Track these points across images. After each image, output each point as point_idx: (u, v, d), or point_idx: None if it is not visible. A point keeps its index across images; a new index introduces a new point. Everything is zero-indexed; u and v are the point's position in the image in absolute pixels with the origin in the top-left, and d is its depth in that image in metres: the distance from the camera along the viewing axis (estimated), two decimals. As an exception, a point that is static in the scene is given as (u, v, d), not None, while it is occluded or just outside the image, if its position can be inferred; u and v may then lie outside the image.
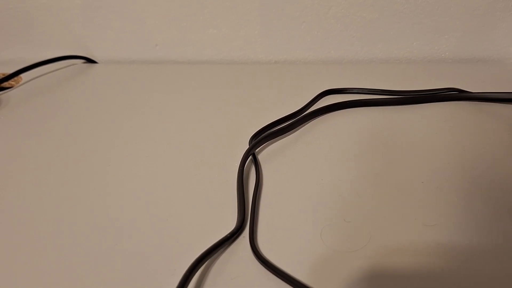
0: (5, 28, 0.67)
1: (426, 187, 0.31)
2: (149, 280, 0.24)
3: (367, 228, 0.27)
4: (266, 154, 0.37)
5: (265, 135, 0.38)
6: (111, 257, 0.26)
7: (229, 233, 0.26)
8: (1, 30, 0.67)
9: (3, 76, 0.56)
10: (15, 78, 0.57)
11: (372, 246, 0.26)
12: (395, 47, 0.61)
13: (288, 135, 0.40)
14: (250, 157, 0.36)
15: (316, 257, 0.25)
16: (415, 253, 0.25)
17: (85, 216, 0.30)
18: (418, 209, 0.29)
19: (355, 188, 0.31)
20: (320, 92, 0.48)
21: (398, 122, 0.41)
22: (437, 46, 0.60)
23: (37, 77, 0.59)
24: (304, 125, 0.42)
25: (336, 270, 0.24)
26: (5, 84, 0.57)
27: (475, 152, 0.35)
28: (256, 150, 0.37)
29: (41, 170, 0.36)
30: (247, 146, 0.37)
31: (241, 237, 0.27)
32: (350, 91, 0.49)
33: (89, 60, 0.68)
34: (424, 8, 0.57)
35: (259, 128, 0.40)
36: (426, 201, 0.29)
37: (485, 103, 0.44)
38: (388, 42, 0.61)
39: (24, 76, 0.59)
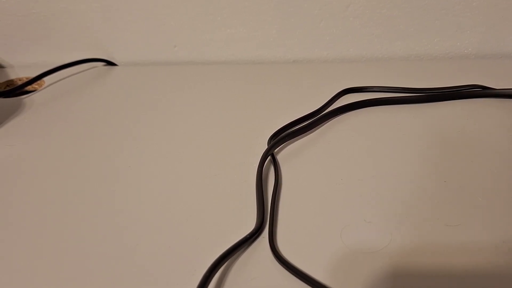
0: (28, 32, 0.68)
1: (449, 186, 0.30)
2: (169, 280, 0.24)
3: (388, 228, 0.27)
4: (285, 154, 0.37)
5: (284, 135, 0.38)
6: (131, 257, 0.26)
7: (249, 234, 0.26)
8: (25, 34, 0.69)
9: (27, 80, 0.57)
10: (38, 81, 0.59)
11: (393, 247, 0.25)
12: (415, 43, 0.60)
13: (307, 134, 0.40)
14: (269, 157, 0.36)
15: (336, 258, 0.25)
16: (437, 254, 0.25)
17: (106, 217, 0.30)
18: (440, 209, 0.28)
19: (375, 188, 0.31)
20: (339, 90, 0.48)
21: (420, 120, 0.41)
22: (459, 42, 0.59)
23: (59, 80, 0.60)
24: (323, 125, 0.42)
25: (356, 271, 0.24)
26: (29, 87, 0.58)
27: (499, 150, 0.34)
28: (275, 150, 0.37)
29: (64, 171, 0.37)
30: (266, 146, 0.37)
31: (260, 238, 0.27)
32: (370, 90, 0.49)
33: (109, 63, 0.69)
34: (445, 3, 0.56)
35: (278, 128, 0.40)
36: (449, 201, 0.29)
37: (510, 99, 0.43)
38: (408, 38, 0.60)
39: (46, 79, 0.60)
